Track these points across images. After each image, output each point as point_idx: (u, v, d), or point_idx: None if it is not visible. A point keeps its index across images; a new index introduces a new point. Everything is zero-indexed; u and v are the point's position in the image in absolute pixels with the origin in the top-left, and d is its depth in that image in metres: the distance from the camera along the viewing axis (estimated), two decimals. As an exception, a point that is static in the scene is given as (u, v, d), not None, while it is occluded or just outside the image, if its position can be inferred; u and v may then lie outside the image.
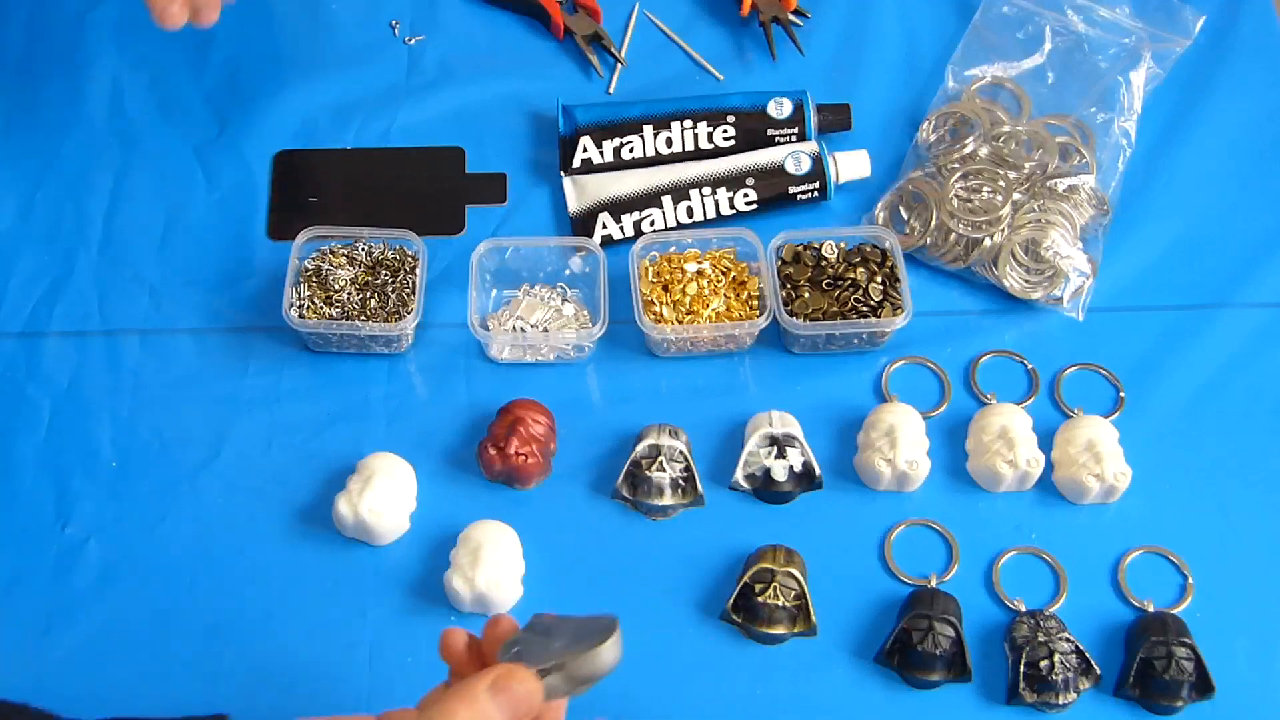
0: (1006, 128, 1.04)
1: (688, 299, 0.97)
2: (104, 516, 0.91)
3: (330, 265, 0.97)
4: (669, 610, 0.89)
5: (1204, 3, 1.11)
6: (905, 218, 1.02)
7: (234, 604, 0.88)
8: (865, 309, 0.96)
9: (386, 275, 0.97)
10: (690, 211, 1.03)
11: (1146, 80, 1.07)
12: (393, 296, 0.96)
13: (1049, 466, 0.93)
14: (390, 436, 0.95)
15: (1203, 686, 0.84)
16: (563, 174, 1.05)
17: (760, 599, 0.86)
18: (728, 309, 0.97)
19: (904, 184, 1.03)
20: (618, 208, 1.03)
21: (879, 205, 1.03)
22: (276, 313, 0.95)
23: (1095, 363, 0.98)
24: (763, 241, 0.98)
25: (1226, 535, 0.92)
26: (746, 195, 1.03)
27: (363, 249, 0.98)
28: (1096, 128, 1.05)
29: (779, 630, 0.87)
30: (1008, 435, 0.91)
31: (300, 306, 0.96)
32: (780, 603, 0.86)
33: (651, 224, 1.03)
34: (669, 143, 1.05)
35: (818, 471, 0.92)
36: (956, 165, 1.02)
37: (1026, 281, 1.00)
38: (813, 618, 0.87)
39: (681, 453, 0.92)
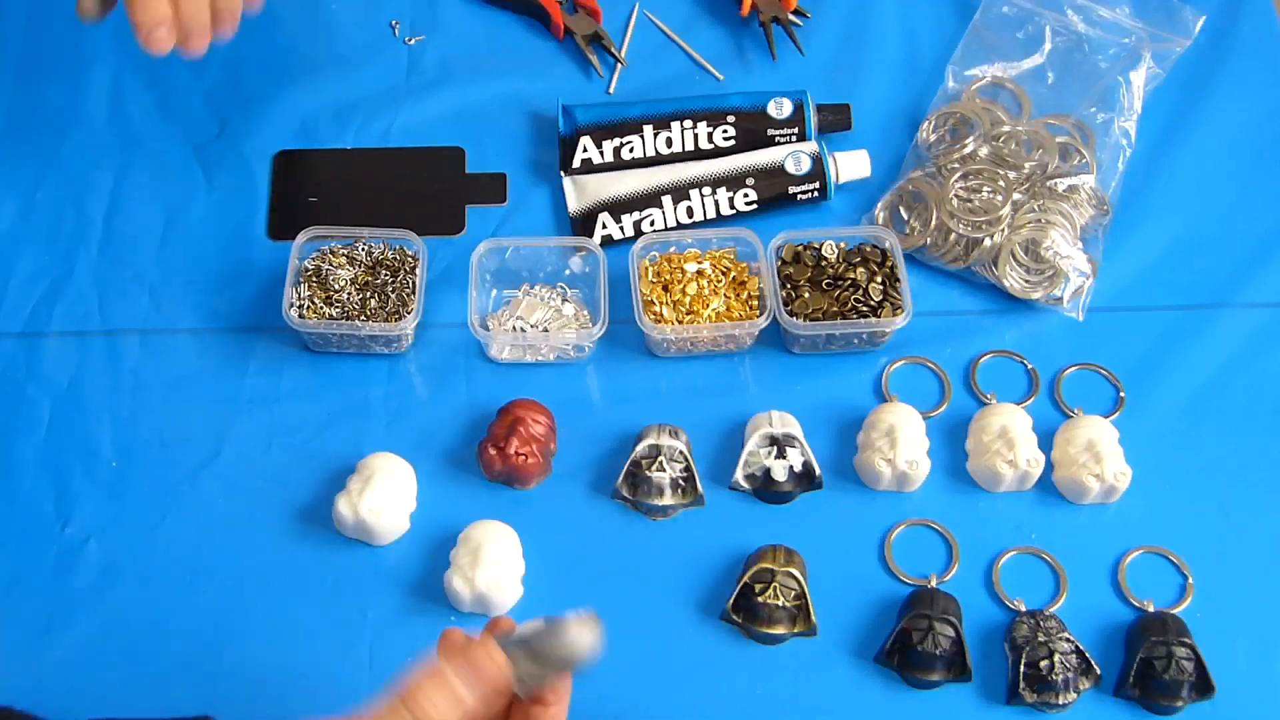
0: (1006, 128, 1.04)
1: (688, 299, 0.97)
2: (104, 516, 0.91)
3: (330, 265, 0.97)
4: (669, 610, 0.89)
5: (1204, 3, 1.11)
6: (905, 218, 1.02)
7: (234, 604, 0.88)
8: (865, 309, 0.96)
9: (386, 275, 0.97)
10: (690, 211, 1.03)
11: (1146, 80, 1.07)
12: (393, 296, 0.96)
13: (1049, 466, 0.93)
14: (390, 436, 0.95)
15: (1203, 686, 0.84)
16: (563, 174, 1.05)
17: (760, 599, 0.86)
18: (728, 309, 0.97)
19: (904, 184, 1.03)
20: (618, 208, 1.03)
21: (879, 205, 1.03)
22: (276, 313, 0.95)
23: (1095, 363, 0.98)
24: (763, 241, 0.98)
25: (1226, 535, 0.92)
26: (746, 195, 1.03)
27: (363, 249, 0.98)
28: (1096, 128, 1.05)
29: (779, 630, 0.87)
30: (1008, 435, 0.91)
31: (300, 306, 0.96)
32: (780, 603, 0.86)
33: (651, 224, 1.03)
34: (669, 143, 1.05)
35: (818, 471, 0.92)
36: (956, 165, 1.02)
37: (1026, 281, 1.00)
38: (813, 618, 0.87)
39: (681, 453, 0.92)
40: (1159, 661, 0.84)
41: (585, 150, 1.05)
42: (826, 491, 0.93)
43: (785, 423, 0.93)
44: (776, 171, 1.03)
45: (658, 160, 1.05)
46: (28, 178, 1.05)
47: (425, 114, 1.09)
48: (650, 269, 0.99)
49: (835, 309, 0.96)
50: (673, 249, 1.00)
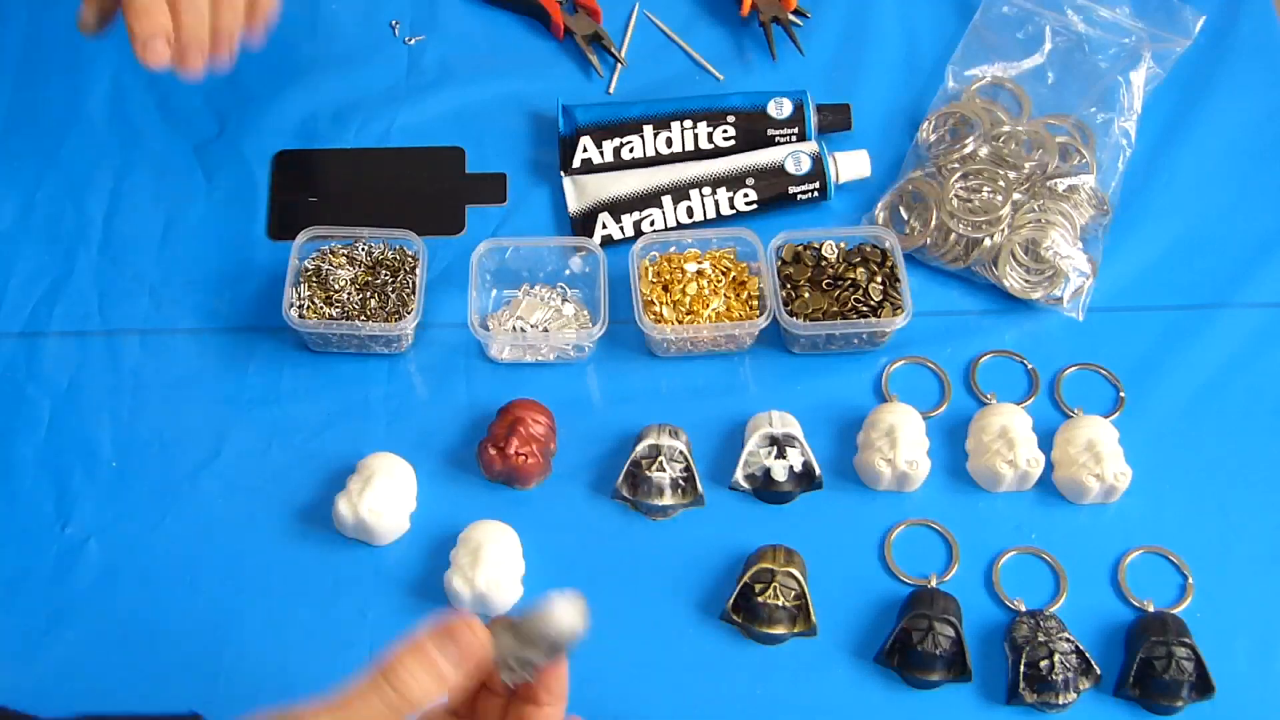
0: (1006, 128, 1.04)
1: (688, 299, 0.97)
2: (104, 516, 0.91)
3: (330, 265, 0.97)
4: (669, 610, 0.89)
5: (1204, 3, 1.11)
6: (905, 218, 1.02)
7: (234, 604, 0.88)
8: (865, 309, 0.96)
9: (386, 275, 0.97)
10: (690, 211, 1.03)
11: (1146, 80, 1.07)
12: (393, 296, 0.96)
13: (1049, 466, 0.93)
14: (390, 436, 0.95)
15: (1203, 686, 0.84)
16: (563, 174, 1.05)
17: (760, 599, 0.86)
18: (728, 309, 0.97)
19: (904, 184, 1.03)
20: (618, 208, 1.03)
21: (879, 205, 1.03)
22: (276, 313, 0.95)
23: (1095, 363, 0.98)
24: (763, 241, 0.98)
25: (1226, 535, 0.92)
26: (746, 195, 1.03)
27: (363, 249, 0.98)
28: (1096, 128, 1.05)
29: (779, 630, 0.87)
30: (1008, 435, 0.91)
31: (300, 306, 0.96)
32: (780, 603, 0.86)
33: (651, 224, 1.03)
34: (669, 143, 1.05)
35: (818, 471, 0.92)
36: (956, 165, 1.02)
37: (1026, 281, 1.00)
38: (813, 618, 0.87)
39: (681, 453, 0.92)
40: (1159, 661, 0.84)
41: (585, 150, 1.05)
42: (826, 491, 0.93)
43: (785, 423, 0.93)
44: (776, 171, 1.03)
45: (658, 160, 1.05)
46: (28, 178, 1.05)
47: (425, 114, 1.09)
48: (650, 269, 0.99)
49: (835, 309, 0.96)
50: (673, 249, 1.00)
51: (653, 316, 0.96)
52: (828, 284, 0.97)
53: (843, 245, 0.99)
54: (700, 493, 0.92)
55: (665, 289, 0.98)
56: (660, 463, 0.91)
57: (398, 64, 1.12)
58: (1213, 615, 0.88)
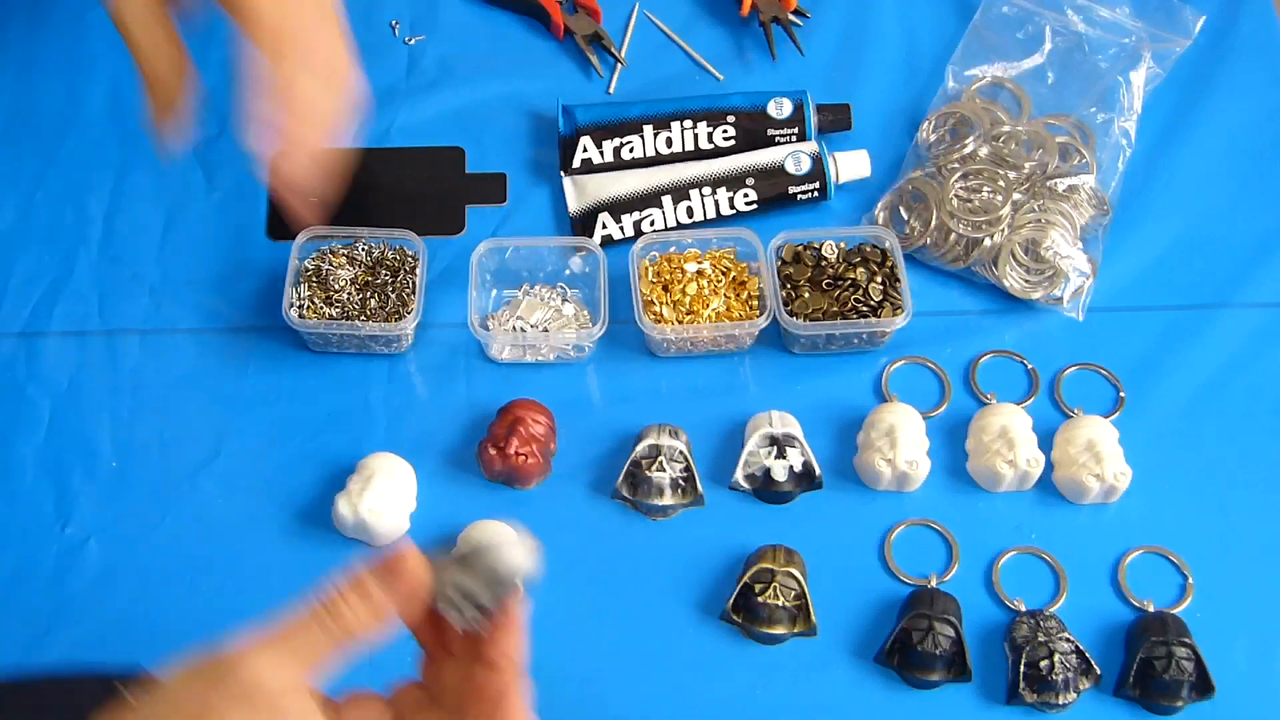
0: (1006, 128, 1.04)
1: (688, 299, 0.97)
2: (104, 516, 0.91)
3: (330, 265, 0.97)
4: (669, 610, 0.89)
5: (1204, 3, 1.11)
6: (905, 218, 1.02)
7: (234, 604, 0.88)
8: (865, 309, 0.96)
9: (386, 275, 0.97)
10: (690, 211, 1.03)
11: (1146, 80, 1.07)
12: (393, 296, 0.96)
13: (1049, 466, 0.93)
14: (390, 436, 0.95)
15: (1203, 686, 0.84)
16: (563, 174, 1.05)
17: (760, 599, 0.86)
18: (728, 309, 0.97)
19: (904, 184, 1.03)
20: (618, 208, 1.03)
21: (879, 205, 1.03)
22: (276, 313, 0.95)
23: (1095, 363, 0.98)
24: (763, 241, 0.98)
25: (1226, 535, 0.92)
26: (746, 195, 1.03)
27: (363, 249, 0.98)
28: (1096, 128, 1.05)
29: (779, 630, 0.87)
30: (1008, 435, 0.91)
31: (300, 306, 0.96)
32: (780, 603, 0.86)
33: (651, 224, 1.03)
34: (669, 143, 1.05)
35: (818, 471, 0.92)
36: (956, 165, 1.02)
37: (1026, 281, 1.00)
38: (813, 618, 0.87)
39: (681, 453, 0.92)
40: (1159, 661, 0.84)
41: (585, 150, 1.05)
42: (826, 491, 0.93)
43: (785, 423, 0.93)
44: (776, 171, 1.03)
45: (658, 160, 1.05)
46: (28, 178, 1.05)
47: (425, 114, 1.09)
48: (650, 269, 0.99)
49: (835, 309, 0.96)
50: (673, 249, 1.00)
51: (653, 316, 0.96)
52: (828, 284, 0.97)
53: (843, 245, 0.99)
54: (700, 493, 0.92)
55: (665, 289, 0.98)
56: (660, 463, 0.91)
57: (397, 64, 1.12)
58: (1213, 615, 0.88)
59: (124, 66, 1.09)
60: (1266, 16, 1.15)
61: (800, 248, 0.99)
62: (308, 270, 0.97)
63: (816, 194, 1.04)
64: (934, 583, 0.89)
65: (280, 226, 1.03)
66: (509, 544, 0.60)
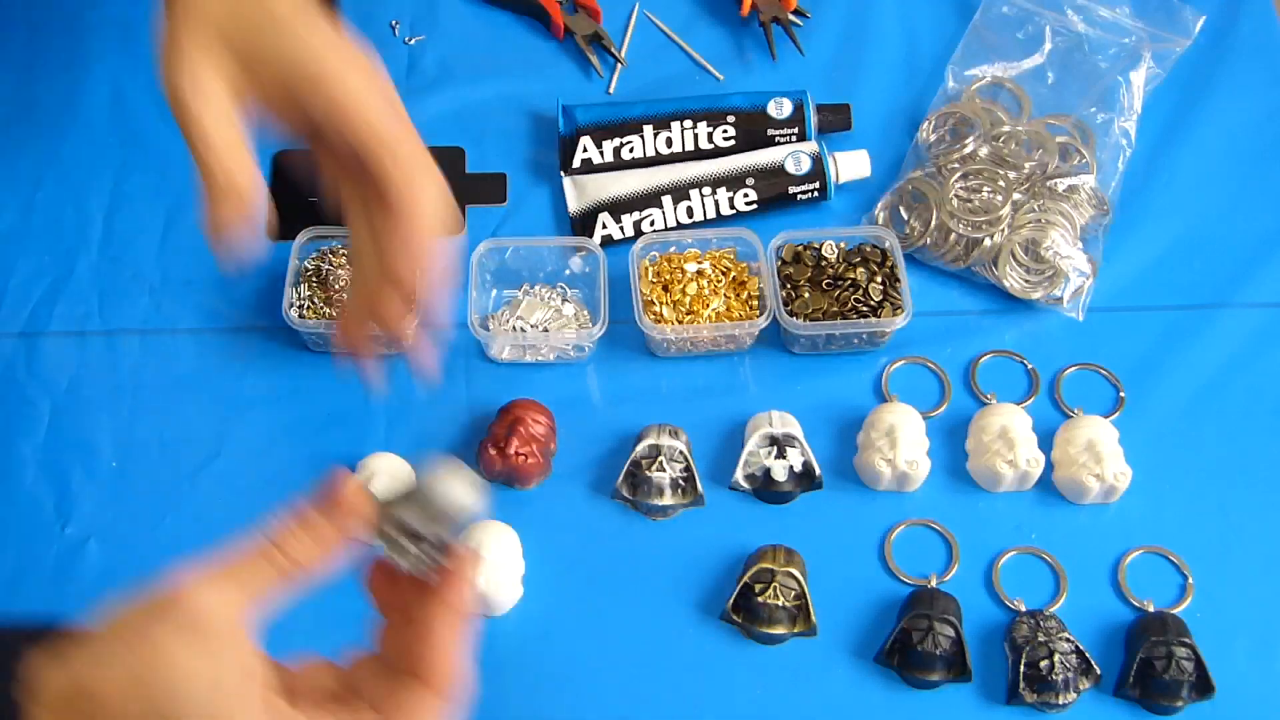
0: (1006, 128, 1.04)
1: (688, 299, 0.97)
2: (104, 516, 0.91)
3: (330, 265, 0.97)
4: (669, 610, 0.89)
5: (1204, 3, 1.11)
6: (905, 218, 1.02)
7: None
8: (865, 309, 0.96)
9: (386, 275, 0.97)
10: (690, 211, 1.03)
11: (1146, 80, 1.07)
12: (393, 296, 0.96)
13: (1049, 466, 0.93)
14: (390, 436, 0.95)
15: (1203, 686, 0.84)
16: (563, 174, 1.05)
17: (760, 599, 0.86)
18: (728, 309, 0.97)
19: (904, 184, 1.03)
20: (618, 208, 1.03)
21: (879, 205, 1.03)
22: (276, 313, 0.95)
23: (1095, 363, 0.98)
24: (763, 241, 0.98)
25: (1226, 535, 0.92)
26: (746, 195, 1.03)
27: (363, 249, 0.98)
28: (1096, 128, 1.05)
29: (779, 630, 0.87)
30: (1008, 435, 0.91)
31: (300, 306, 0.96)
32: (780, 603, 0.86)
33: (651, 224, 1.03)
34: (669, 143, 1.05)
35: (818, 471, 0.92)
36: (956, 165, 1.02)
37: (1026, 281, 1.00)
38: (813, 618, 0.87)
39: (681, 453, 0.92)
40: (1159, 661, 0.84)
41: (585, 150, 1.05)
42: (826, 491, 0.93)
43: (785, 423, 0.93)
44: (776, 171, 1.03)
45: (658, 160, 1.05)
46: (28, 178, 1.05)
47: (425, 114, 1.09)
48: (650, 269, 0.99)
49: (835, 309, 0.96)
50: (673, 249, 1.00)
51: (653, 316, 0.96)
52: (828, 284, 0.97)
53: (843, 245, 0.99)
54: (700, 493, 0.92)
55: (665, 289, 0.98)
56: (660, 463, 0.91)
57: (398, 64, 1.12)
58: (1213, 615, 0.88)
59: (124, 66, 1.10)
60: (1266, 16, 1.15)
61: (800, 248, 0.99)
62: (308, 270, 0.97)
63: (816, 194, 1.04)
64: (934, 583, 0.89)
65: (281, 226, 1.03)
66: (452, 478, 0.59)
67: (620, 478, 0.92)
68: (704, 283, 0.98)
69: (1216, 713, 0.85)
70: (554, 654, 0.87)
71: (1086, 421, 0.93)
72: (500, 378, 0.97)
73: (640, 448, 0.92)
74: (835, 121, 1.07)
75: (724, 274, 0.99)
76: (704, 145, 1.05)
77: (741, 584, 0.87)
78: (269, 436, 0.95)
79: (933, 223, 1.01)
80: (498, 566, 0.86)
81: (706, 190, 1.03)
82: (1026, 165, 1.02)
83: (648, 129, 1.05)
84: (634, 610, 0.89)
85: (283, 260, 0.97)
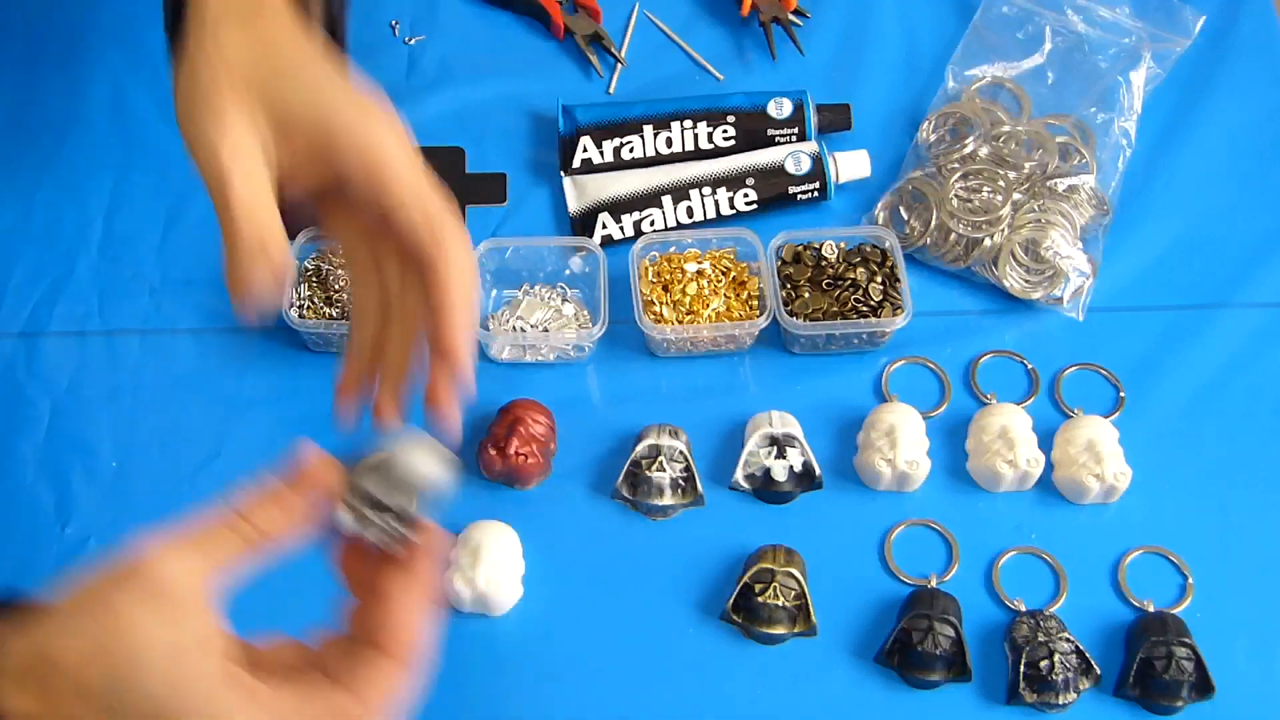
0: (1006, 128, 1.04)
1: (688, 299, 0.97)
2: (104, 516, 0.91)
3: (330, 265, 0.97)
4: (669, 610, 0.89)
5: (1204, 3, 1.11)
6: (905, 218, 1.02)
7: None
8: (865, 309, 0.96)
9: (386, 275, 0.97)
10: (690, 211, 1.03)
11: (1146, 80, 1.07)
12: (393, 296, 0.96)
13: (1049, 466, 0.93)
14: (390, 436, 0.95)
15: (1203, 686, 0.84)
16: (563, 174, 1.05)
17: (760, 599, 0.86)
18: (728, 309, 0.97)
19: (904, 184, 1.03)
20: (618, 208, 1.03)
21: (879, 205, 1.03)
22: (276, 312, 0.95)
23: (1095, 363, 0.98)
24: (763, 241, 0.98)
25: (1226, 535, 0.92)
26: (746, 195, 1.03)
27: (363, 249, 0.98)
28: (1096, 128, 1.05)
29: (779, 630, 0.87)
30: (1008, 435, 0.91)
31: (300, 306, 0.96)
32: (780, 603, 0.86)
33: (651, 224, 1.03)
34: (669, 143, 1.05)
35: (818, 471, 0.92)
36: (956, 165, 1.02)
37: (1026, 281, 1.00)
38: (813, 618, 0.87)
39: (681, 453, 0.92)
40: (1159, 661, 0.84)
41: (585, 150, 1.05)
42: (826, 491, 0.93)
43: (785, 423, 0.93)
44: (776, 171, 1.03)
45: (658, 160, 1.05)
46: (28, 177, 1.05)
47: (425, 114, 1.09)
48: (650, 269, 0.99)
49: (835, 309, 0.96)
50: (673, 249, 1.00)
51: (653, 316, 0.96)
52: (828, 284, 0.97)
53: (843, 245, 0.99)
54: (700, 493, 0.92)
55: (665, 289, 0.98)
56: (660, 463, 0.91)
57: (398, 64, 1.12)
58: (1213, 615, 0.88)
59: (124, 66, 1.10)
60: (1266, 16, 1.15)
61: (800, 248, 0.99)
62: (308, 270, 0.97)
63: (816, 194, 1.04)
64: (934, 583, 0.89)
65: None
66: (420, 450, 0.59)
67: (620, 478, 0.92)
68: (704, 283, 0.98)
69: (1216, 713, 0.85)
70: (554, 654, 0.87)
71: (1086, 421, 0.93)
72: (500, 378, 0.97)
73: (640, 448, 0.92)
74: (835, 121, 1.07)
75: (724, 274, 0.99)
76: (704, 145, 1.06)
77: (741, 584, 0.87)
78: (269, 436, 0.95)
79: (933, 223, 1.01)
80: (498, 566, 0.86)
81: (706, 190, 1.03)
82: (1026, 165, 1.02)
83: (648, 129, 1.06)
84: (634, 610, 0.89)
85: (283, 260, 0.97)
